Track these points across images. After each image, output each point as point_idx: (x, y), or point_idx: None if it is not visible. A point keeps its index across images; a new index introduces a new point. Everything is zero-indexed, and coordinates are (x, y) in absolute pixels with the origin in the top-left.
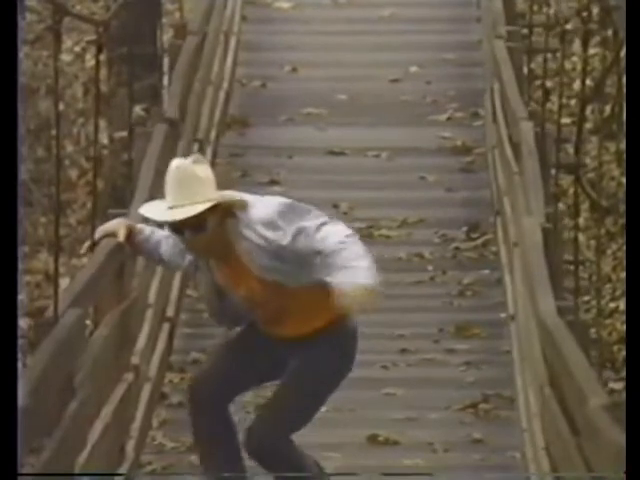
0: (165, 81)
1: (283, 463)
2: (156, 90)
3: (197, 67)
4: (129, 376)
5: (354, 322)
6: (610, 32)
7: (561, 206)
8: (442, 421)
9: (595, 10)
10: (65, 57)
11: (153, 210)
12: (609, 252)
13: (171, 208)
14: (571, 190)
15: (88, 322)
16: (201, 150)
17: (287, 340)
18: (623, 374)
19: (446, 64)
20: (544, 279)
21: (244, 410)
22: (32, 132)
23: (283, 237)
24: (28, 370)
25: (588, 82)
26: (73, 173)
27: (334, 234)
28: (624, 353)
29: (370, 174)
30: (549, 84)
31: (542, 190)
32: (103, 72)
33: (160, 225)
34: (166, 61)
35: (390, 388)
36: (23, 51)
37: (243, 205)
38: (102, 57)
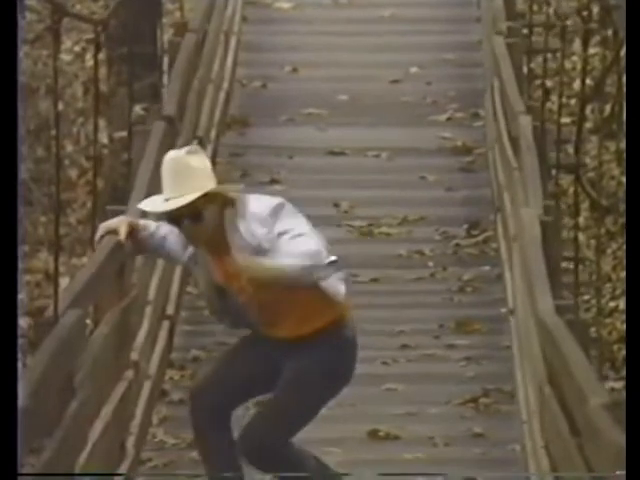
0: (165, 80)
1: (281, 464)
2: (156, 89)
3: (197, 65)
4: (129, 374)
5: (352, 328)
6: (610, 32)
7: (561, 205)
8: (442, 416)
9: (595, 9)
10: (65, 57)
11: (150, 203)
12: (609, 251)
13: (167, 200)
14: (571, 189)
15: (88, 321)
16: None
17: (285, 341)
18: (623, 373)
19: (446, 65)
20: (542, 277)
21: (244, 405)
22: (32, 132)
23: (266, 235)
24: (28, 370)
25: (588, 81)
26: (73, 172)
27: (300, 246)
28: (624, 352)
29: (370, 174)
30: (549, 84)
31: (540, 184)
32: (103, 72)
33: (161, 218)
34: (166, 60)
35: (391, 383)
36: (23, 51)
37: (237, 193)
38: (102, 56)
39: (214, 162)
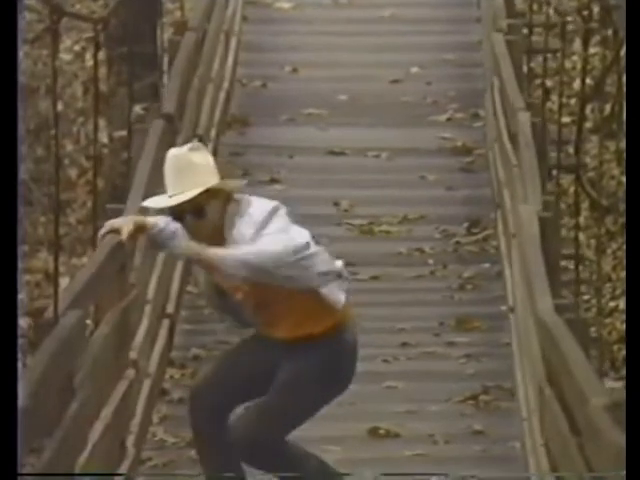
0: (165, 80)
1: (276, 462)
2: (156, 89)
3: (196, 64)
4: (130, 373)
5: (352, 333)
6: (610, 31)
7: (561, 205)
8: (443, 413)
9: (596, 9)
10: (65, 56)
11: (154, 201)
12: (609, 251)
13: (170, 197)
14: (571, 189)
15: (89, 321)
16: None
17: (283, 342)
18: (623, 373)
19: (446, 65)
20: (541, 275)
21: (244, 406)
22: (32, 132)
23: (252, 236)
24: (28, 371)
25: (588, 81)
26: (73, 172)
27: (260, 245)
28: (624, 352)
29: (370, 173)
30: (549, 83)
31: (539, 180)
32: (103, 71)
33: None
34: (166, 60)
35: (391, 381)
36: (23, 50)
37: (239, 188)
38: (102, 56)
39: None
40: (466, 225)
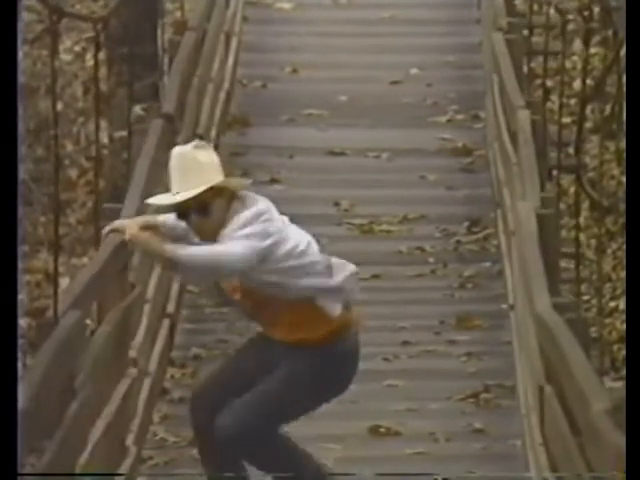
0: (165, 80)
1: (263, 455)
2: (156, 89)
3: (196, 63)
4: (131, 372)
5: (352, 340)
6: (610, 32)
7: (561, 205)
8: (443, 411)
9: (596, 9)
10: (65, 56)
11: (159, 198)
12: (609, 251)
13: (175, 195)
14: (571, 189)
15: (90, 321)
16: None
17: (282, 343)
18: (623, 373)
19: (446, 66)
20: (539, 273)
21: None
22: (32, 131)
23: (230, 234)
24: (29, 373)
25: (588, 81)
26: (73, 172)
27: (218, 245)
28: (624, 352)
29: (371, 173)
30: (549, 83)
31: (538, 177)
32: (103, 71)
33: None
34: (166, 60)
35: (392, 380)
36: (23, 50)
37: (244, 186)
38: (102, 56)
39: None
40: (466, 224)
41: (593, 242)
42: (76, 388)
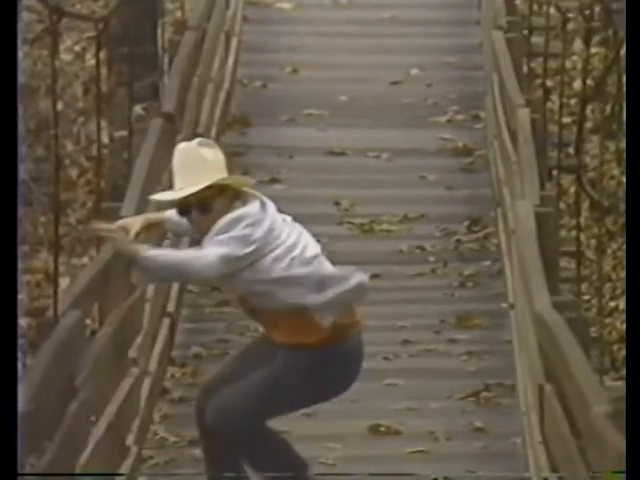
0: (166, 80)
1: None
2: (156, 89)
3: (196, 63)
4: (133, 371)
5: (352, 344)
6: (611, 31)
7: (562, 205)
8: (444, 410)
9: (597, 9)
10: (65, 56)
11: (162, 194)
12: (609, 251)
13: (177, 191)
14: (572, 189)
15: (90, 322)
16: None
17: (282, 344)
18: (623, 373)
19: (447, 67)
20: (538, 272)
21: None
22: (32, 131)
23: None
24: (29, 373)
25: (588, 81)
26: (73, 172)
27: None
28: (624, 352)
29: (371, 173)
30: (549, 83)
31: (537, 175)
32: (103, 71)
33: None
34: (166, 60)
35: (392, 378)
36: (23, 50)
37: (246, 184)
38: (102, 56)
39: None
40: (467, 223)
41: (593, 242)
42: (77, 388)
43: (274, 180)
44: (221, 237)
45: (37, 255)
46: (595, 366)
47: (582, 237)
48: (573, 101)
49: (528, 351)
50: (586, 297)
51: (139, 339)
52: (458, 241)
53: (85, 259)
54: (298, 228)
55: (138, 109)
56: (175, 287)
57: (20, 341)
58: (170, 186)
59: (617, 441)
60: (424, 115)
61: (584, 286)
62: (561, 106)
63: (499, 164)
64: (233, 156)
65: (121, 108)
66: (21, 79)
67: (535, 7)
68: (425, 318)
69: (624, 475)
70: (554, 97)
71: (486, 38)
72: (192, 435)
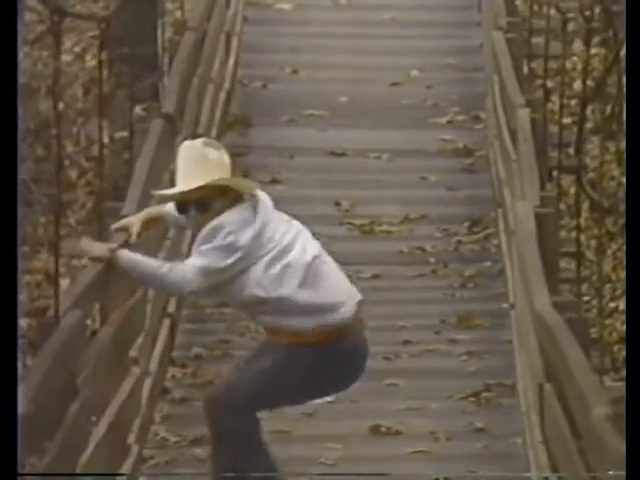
0: (166, 80)
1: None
2: (156, 90)
3: (196, 63)
4: (134, 371)
5: (353, 342)
6: (611, 32)
7: (562, 206)
8: (444, 410)
9: (597, 10)
10: (65, 57)
11: (164, 190)
12: (609, 252)
13: (177, 188)
14: (572, 190)
15: (90, 322)
16: None
17: (283, 346)
18: (623, 374)
19: (447, 68)
20: (538, 272)
21: None
22: (32, 132)
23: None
24: (30, 374)
25: (589, 82)
26: (73, 173)
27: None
28: (624, 353)
29: (371, 174)
30: (550, 84)
31: (538, 176)
32: (103, 72)
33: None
34: (166, 61)
35: (392, 379)
36: (23, 51)
37: (250, 190)
38: (102, 56)
39: None
40: (467, 224)
41: (593, 243)
42: (78, 388)
43: (274, 181)
44: (203, 248)
45: (37, 256)
46: (595, 367)
47: (582, 238)
48: (573, 102)
49: (528, 351)
50: (586, 298)
51: (140, 339)
52: (459, 242)
53: (85, 260)
54: (296, 226)
55: (138, 109)
56: None
57: (20, 341)
58: (172, 185)
59: (617, 443)
60: (424, 116)
61: (584, 287)
62: (561, 107)
63: (499, 165)
64: (234, 157)
65: (121, 109)
66: (21, 79)
67: (535, 7)
68: (426, 318)
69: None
70: (554, 98)
71: (486, 39)
72: (193, 435)
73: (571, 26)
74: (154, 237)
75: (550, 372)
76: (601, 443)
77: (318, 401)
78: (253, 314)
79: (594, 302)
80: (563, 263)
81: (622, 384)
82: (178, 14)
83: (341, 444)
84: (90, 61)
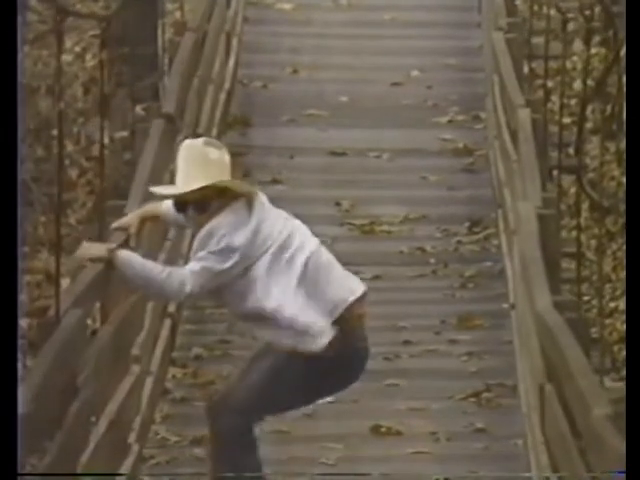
0: (166, 81)
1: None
2: (156, 90)
3: (197, 64)
4: (133, 370)
5: (353, 342)
6: (611, 32)
7: (562, 206)
8: (445, 411)
9: (597, 9)
10: (65, 57)
11: (162, 187)
12: (609, 252)
13: (176, 187)
14: (572, 190)
15: (90, 321)
16: None
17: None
18: (623, 373)
19: (447, 69)
20: (540, 273)
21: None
22: (32, 131)
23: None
24: (31, 374)
25: (589, 82)
26: (73, 173)
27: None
28: (624, 353)
29: (371, 174)
30: (550, 84)
31: (539, 176)
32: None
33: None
34: (166, 61)
35: (393, 379)
36: (23, 50)
37: (250, 194)
38: (103, 56)
39: None
40: (467, 224)
41: (593, 243)
42: (78, 387)
43: (275, 181)
44: (199, 254)
45: (37, 255)
46: (596, 367)
47: (582, 238)
48: (573, 101)
49: (530, 352)
50: (586, 298)
51: (141, 338)
52: (459, 242)
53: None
54: (294, 224)
55: (138, 109)
56: None
57: (20, 342)
58: (171, 184)
59: (617, 443)
60: (424, 116)
61: (584, 287)
62: (561, 106)
63: (500, 165)
64: (234, 156)
65: (121, 109)
66: (21, 79)
67: (535, 8)
68: (426, 319)
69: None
70: (554, 97)
71: (486, 39)
72: (193, 435)
73: (571, 26)
74: (154, 238)
75: (551, 373)
76: (601, 442)
77: (318, 401)
78: (254, 329)
79: (594, 302)
80: (563, 263)
81: (622, 384)
82: (178, 14)
83: (341, 444)
84: (90, 61)
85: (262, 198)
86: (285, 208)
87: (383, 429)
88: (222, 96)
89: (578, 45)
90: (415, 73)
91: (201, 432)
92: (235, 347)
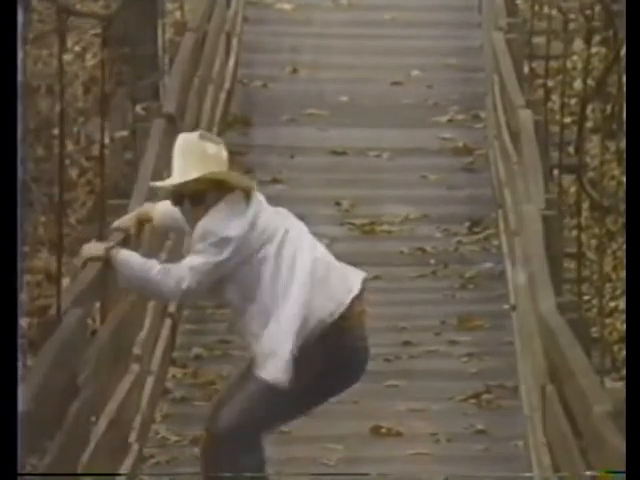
0: (166, 80)
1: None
2: (157, 89)
3: (197, 63)
4: (133, 369)
5: (351, 337)
6: (611, 31)
7: (562, 206)
8: (445, 412)
9: (597, 9)
10: (65, 56)
11: (161, 182)
12: (609, 251)
13: (172, 179)
14: (572, 189)
15: (90, 321)
16: None
17: None
18: (623, 373)
19: (447, 69)
20: (545, 275)
21: None
22: (32, 131)
23: (194, 242)
24: (31, 374)
25: (589, 81)
26: (73, 172)
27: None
28: (624, 353)
29: (372, 173)
30: (550, 83)
31: (542, 177)
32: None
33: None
34: (167, 61)
35: (393, 380)
36: (23, 50)
37: (246, 186)
38: (105, 54)
39: None
40: (467, 224)
41: (593, 242)
42: (79, 387)
43: (275, 180)
44: (196, 247)
45: (37, 255)
46: (596, 367)
47: (582, 237)
48: (573, 101)
49: (532, 353)
50: (586, 297)
51: (141, 337)
52: (459, 242)
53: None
54: (288, 219)
55: (138, 109)
56: None
57: (20, 341)
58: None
59: (617, 442)
60: (425, 115)
61: (584, 286)
62: (562, 106)
63: (499, 165)
64: (234, 156)
65: (121, 108)
66: (21, 79)
67: (536, 8)
68: (426, 319)
69: (624, 476)
70: (554, 97)
71: (487, 39)
72: (193, 434)
73: (571, 25)
74: (155, 238)
75: (554, 374)
76: (602, 441)
77: (322, 403)
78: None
79: (594, 301)
80: (564, 263)
81: (622, 384)
82: (178, 14)
83: (342, 445)
84: (90, 60)
85: (259, 195)
86: (285, 208)
87: (383, 430)
88: (222, 96)
89: (578, 44)
90: (415, 73)
91: (201, 432)
92: (235, 347)
